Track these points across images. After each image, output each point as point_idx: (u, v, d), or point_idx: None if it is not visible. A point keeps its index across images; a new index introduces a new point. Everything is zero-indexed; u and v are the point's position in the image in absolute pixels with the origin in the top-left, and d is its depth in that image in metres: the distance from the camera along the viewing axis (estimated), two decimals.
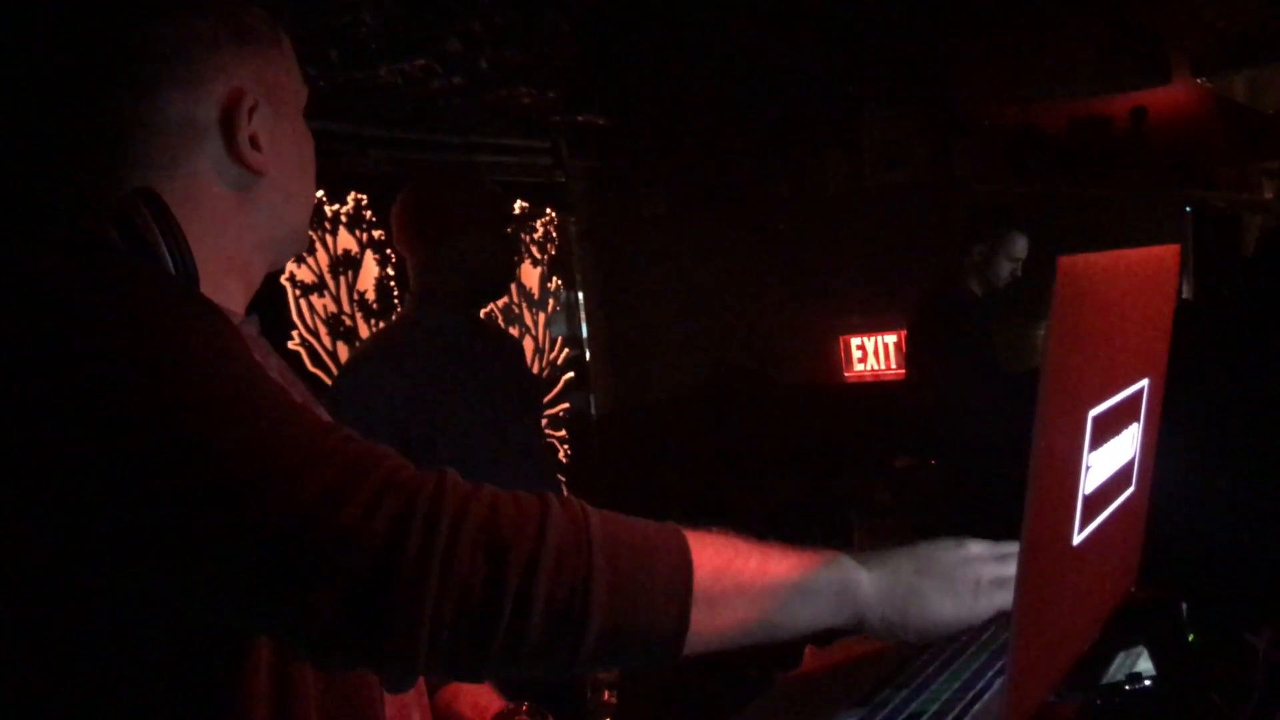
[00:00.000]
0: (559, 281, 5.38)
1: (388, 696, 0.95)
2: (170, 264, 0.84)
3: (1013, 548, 0.96)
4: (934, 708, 0.91)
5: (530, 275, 5.19)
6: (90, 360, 0.74)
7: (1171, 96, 4.53)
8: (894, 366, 6.21)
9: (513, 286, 4.80)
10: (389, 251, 4.10)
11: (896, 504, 4.17)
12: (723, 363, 5.56)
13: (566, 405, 5.17)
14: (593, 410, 5.38)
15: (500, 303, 4.70)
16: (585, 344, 5.57)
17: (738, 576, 0.84)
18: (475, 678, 0.79)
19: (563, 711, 1.27)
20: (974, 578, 0.93)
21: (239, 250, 0.97)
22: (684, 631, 0.80)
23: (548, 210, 5.32)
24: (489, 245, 2.32)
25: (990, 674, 0.95)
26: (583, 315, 5.62)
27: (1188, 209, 3.57)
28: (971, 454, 3.31)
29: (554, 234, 5.39)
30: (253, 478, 0.72)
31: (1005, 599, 0.92)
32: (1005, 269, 3.60)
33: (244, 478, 0.72)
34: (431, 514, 0.73)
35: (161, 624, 0.79)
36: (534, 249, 5.23)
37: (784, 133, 5.25)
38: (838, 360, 6.26)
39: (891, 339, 6.20)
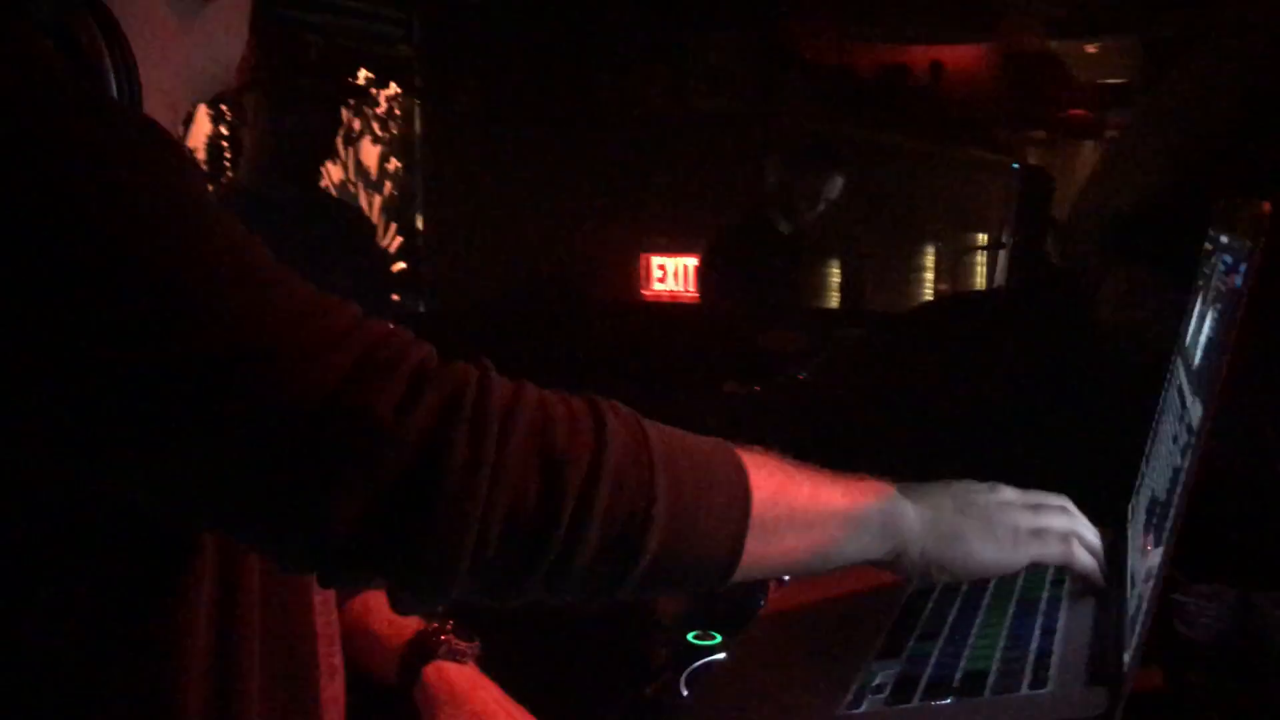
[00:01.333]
0: (399, 164, 5.07)
1: (317, 606, 0.86)
2: (114, 90, 0.71)
3: (1043, 498, 0.93)
4: (993, 665, 0.86)
5: (369, 153, 4.86)
6: (51, 207, 0.60)
7: (969, 54, 4.67)
8: (693, 289, 6.27)
9: (350, 164, 4.53)
10: (224, 108, 3.73)
11: (729, 429, 4.20)
12: (536, 270, 5.44)
13: (396, 297, 4.89)
14: (421, 307, 5.15)
15: (335, 178, 4.42)
16: (420, 235, 5.30)
17: (791, 503, 0.78)
18: (509, 600, 0.69)
19: (488, 630, 1.15)
20: (1012, 524, 0.89)
21: (175, 82, 0.83)
22: (737, 561, 0.73)
23: (392, 85, 4.98)
24: (312, 107, 2.19)
25: (1037, 630, 0.90)
26: (419, 203, 5.33)
27: (1014, 165, 3.66)
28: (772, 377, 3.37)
29: (398, 112, 5.06)
30: (262, 348, 0.61)
31: (1041, 550, 0.89)
32: (817, 208, 3.63)
33: (250, 348, 0.61)
34: (479, 412, 0.64)
35: (101, 527, 0.68)
36: (375, 125, 4.90)
37: (609, 45, 5.14)
38: (637, 278, 6.26)
39: (693, 262, 6.25)
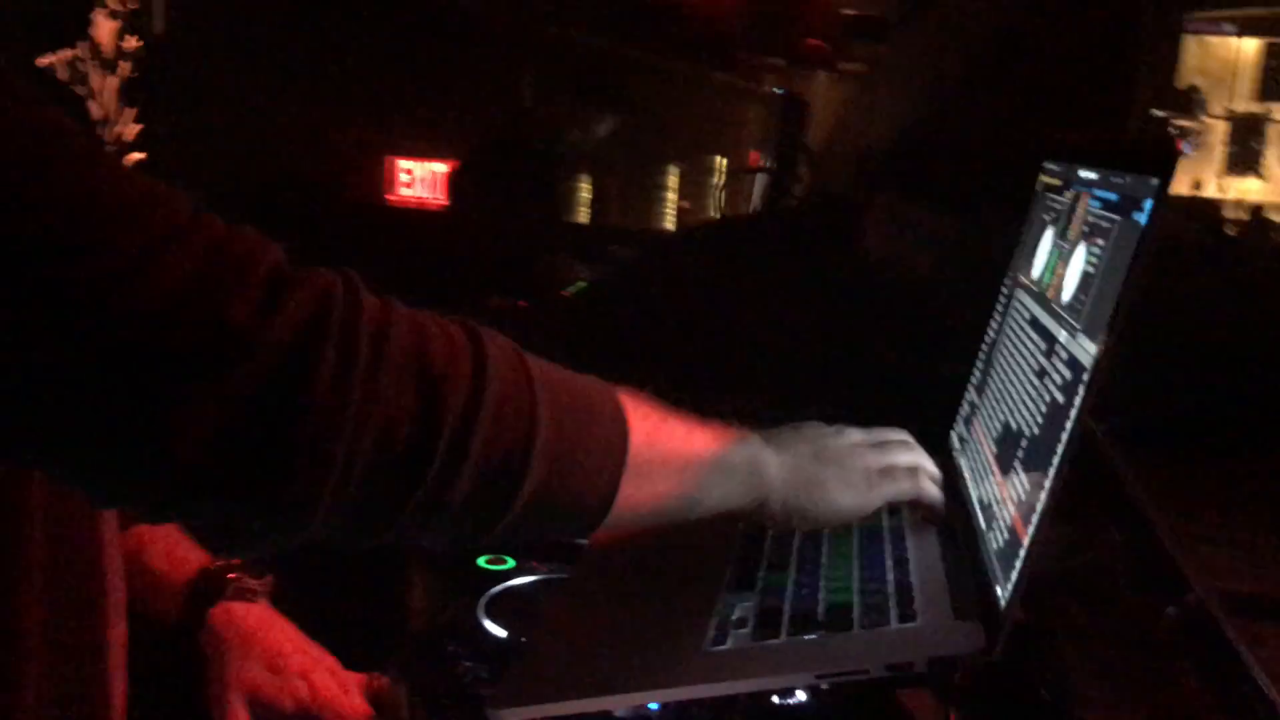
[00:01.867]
0: (138, 42, 4.60)
1: (106, 537, 0.79)
2: None
3: (886, 434, 0.93)
4: (854, 598, 0.84)
5: (103, 28, 4.38)
6: None
7: None
8: (441, 196, 6.11)
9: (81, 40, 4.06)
10: None
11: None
12: (279, 171, 5.13)
13: None
14: None
15: (64, 56, 3.96)
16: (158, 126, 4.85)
17: (665, 446, 0.74)
18: (367, 541, 0.62)
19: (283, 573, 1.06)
20: (863, 466, 0.88)
21: None
22: (610, 504, 0.70)
23: None
24: None
25: (889, 561, 0.89)
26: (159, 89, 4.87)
27: (778, 90, 3.72)
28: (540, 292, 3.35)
29: None
30: (88, 242, 0.52)
31: (893, 488, 0.89)
32: (609, 125, 3.64)
33: (73, 240, 0.52)
34: (348, 326, 0.57)
35: None
36: None
37: None
38: (381, 181, 6.04)
39: (441, 168, 6.08)
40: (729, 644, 0.81)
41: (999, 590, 0.76)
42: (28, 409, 0.53)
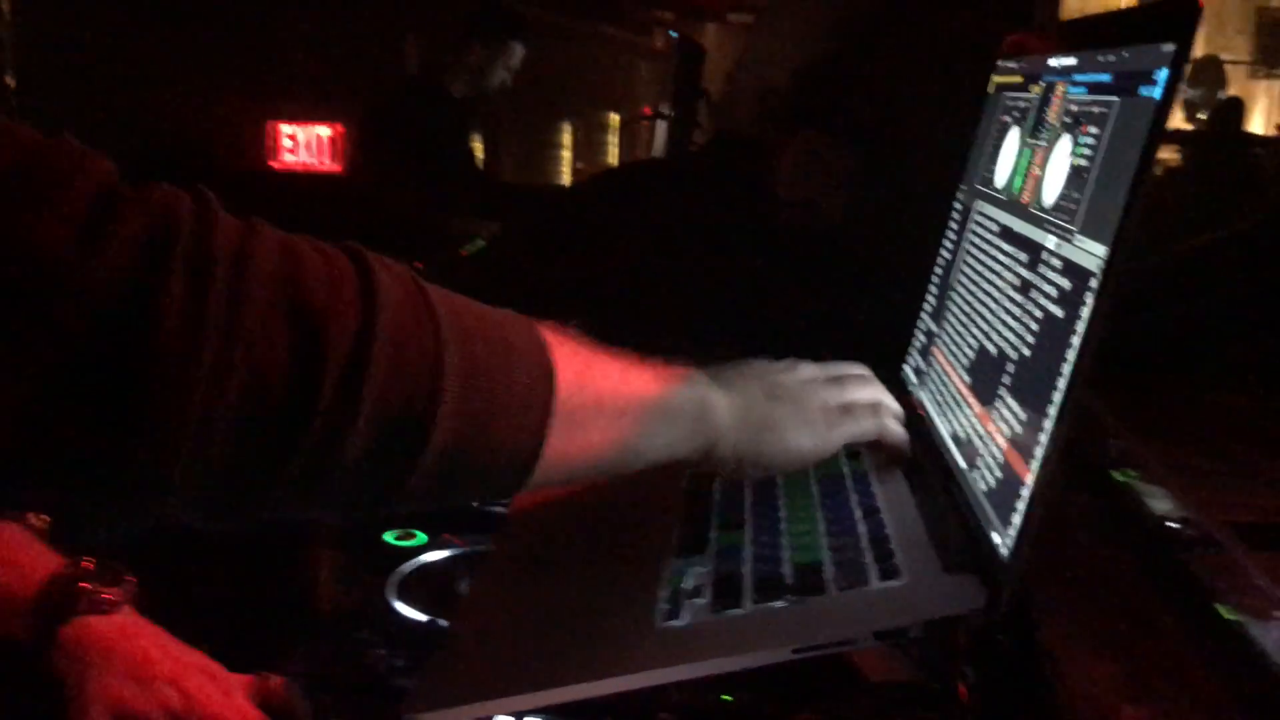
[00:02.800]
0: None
1: None
2: None
3: (842, 368, 0.84)
4: (824, 556, 0.73)
5: None
6: None
7: None
8: (327, 161, 5.92)
9: None
10: None
11: None
12: (152, 140, 4.88)
13: None
14: None
15: None
16: (12, 95, 4.59)
17: (598, 388, 0.64)
18: (237, 520, 0.51)
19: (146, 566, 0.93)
20: (820, 404, 0.79)
21: None
22: (536, 459, 0.59)
23: None
24: None
25: (857, 511, 0.79)
26: (8, 58, 4.60)
27: (673, 34, 3.63)
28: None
29: None
30: None
31: (854, 428, 0.80)
32: (499, 77, 3.52)
33: None
34: (200, 252, 0.47)
35: None
36: None
37: None
38: (263, 147, 5.83)
39: (325, 131, 5.89)
40: (685, 619, 0.70)
41: (996, 538, 0.65)
42: None
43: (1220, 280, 1.99)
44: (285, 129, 5.89)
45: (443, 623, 0.93)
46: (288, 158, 5.93)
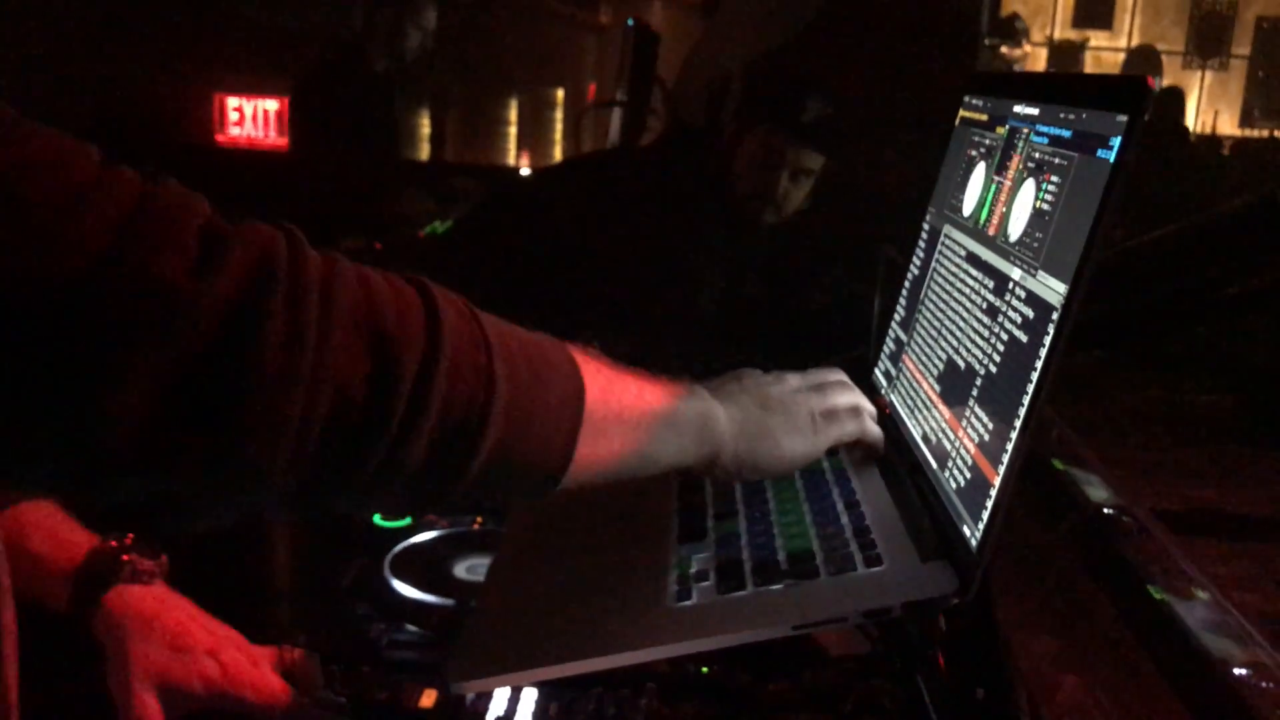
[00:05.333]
0: None
1: None
2: None
3: (822, 376, 0.93)
4: (814, 544, 0.83)
5: None
6: None
7: None
8: (275, 135, 5.89)
9: None
10: None
11: None
12: (93, 114, 4.82)
13: None
14: None
15: None
16: None
17: (619, 402, 0.73)
18: (328, 506, 0.59)
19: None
20: (808, 411, 0.87)
21: None
22: (569, 462, 0.68)
23: None
24: None
25: (839, 505, 0.89)
26: None
27: (630, 22, 3.67)
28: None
29: None
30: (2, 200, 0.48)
31: (838, 430, 0.89)
32: (414, 40, 3.44)
33: None
34: (295, 282, 0.54)
35: None
36: None
37: None
38: (210, 121, 5.78)
39: (273, 105, 5.85)
40: (694, 599, 0.80)
41: (967, 531, 0.76)
42: None
43: (1148, 280, 2.12)
44: (232, 102, 5.86)
45: (434, 599, 1.02)
46: (234, 131, 5.90)
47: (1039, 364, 0.71)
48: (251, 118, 5.97)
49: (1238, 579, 1.17)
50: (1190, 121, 13.53)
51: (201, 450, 0.53)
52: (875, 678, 0.90)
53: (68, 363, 0.49)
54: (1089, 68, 13.87)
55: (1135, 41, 13.94)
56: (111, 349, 0.49)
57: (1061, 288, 0.71)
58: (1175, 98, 6.94)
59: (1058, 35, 13.81)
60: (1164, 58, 13.85)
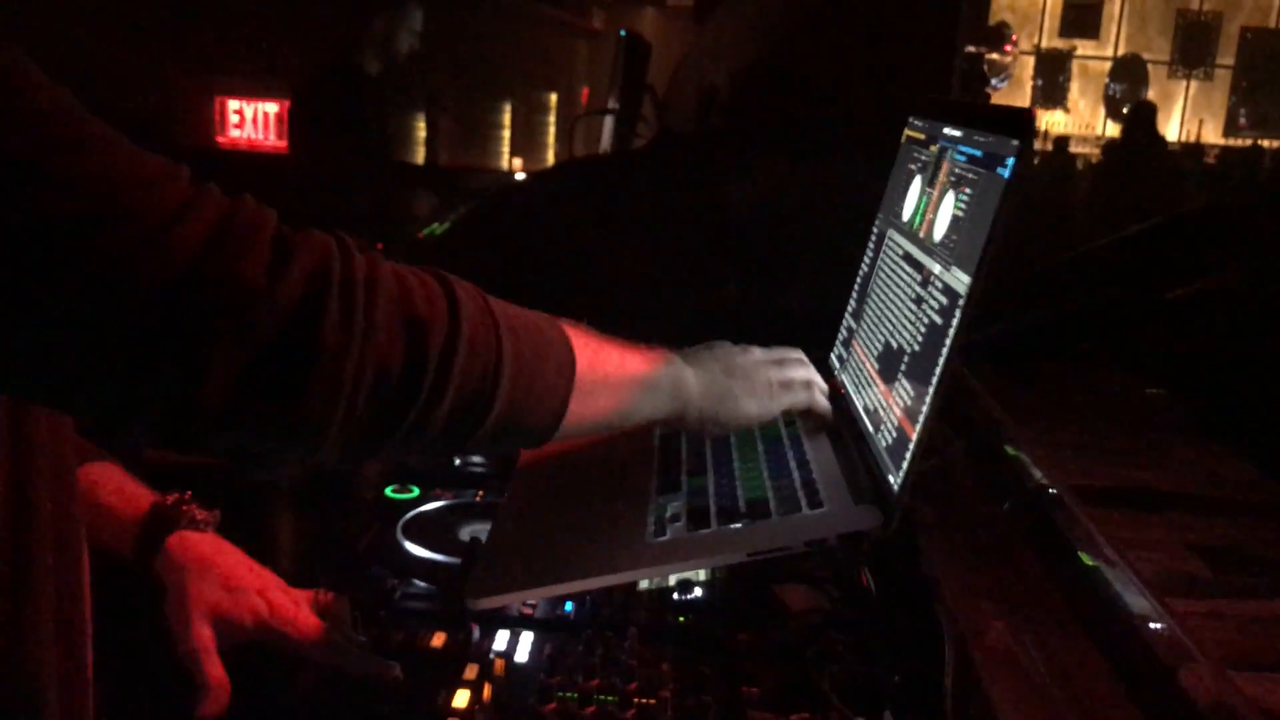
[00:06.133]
0: None
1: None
2: None
3: (783, 353, 1.09)
4: (769, 493, 1.00)
5: None
6: None
7: None
8: (274, 138, 5.99)
9: None
10: None
11: None
12: (108, 114, 4.92)
13: None
14: None
15: None
16: None
17: (604, 369, 0.88)
18: (370, 456, 0.74)
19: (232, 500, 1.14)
20: (765, 379, 1.03)
21: None
22: (561, 419, 0.83)
23: None
24: None
25: (792, 463, 1.05)
26: None
27: (622, 33, 3.81)
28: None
29: None
30: (113, 215, 0.60)
31: (790, 399, 1.05)
32: (405, 42, 3.56)
33: (100, 215, 0.59)
34: (346, 280, 0.67)
35: None
36: None
37: None
38: (210, 123, 5.89)
39: (273, 108, 5.96)
40: (669, 535, 0.96)
41: (891, 479, 0.93)
42: (77, 363, 0.61)
43: (1106, 281, 2.27)
44: (233, 104, 5.98)
45: (441, 558, 1.15)
46: (235, 133, 6.02)
47: (949, 340, 0.88)
48: (252, 120, 6.07)
49: (1152, 542, 1.33)
50: (1175, 130, 13.72)
51: (275, 411, 0.65)
52: (832, 630, 1.03)
53: (172, 342, 0.61)
54: (1076, 76, 14.04)
55: (1121, 50, 14.09)
56: (206, 333, 0.61)
57: (967, 279, 0.88)
58: (1149, 111, 7.13)
59: (1045, 44, 13.97)
60: (1150, 66, 14.04)
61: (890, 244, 1.16)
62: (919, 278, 1.01)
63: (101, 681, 0.87)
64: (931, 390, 0.89)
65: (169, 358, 0.61)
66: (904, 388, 0.97)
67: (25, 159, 0.58)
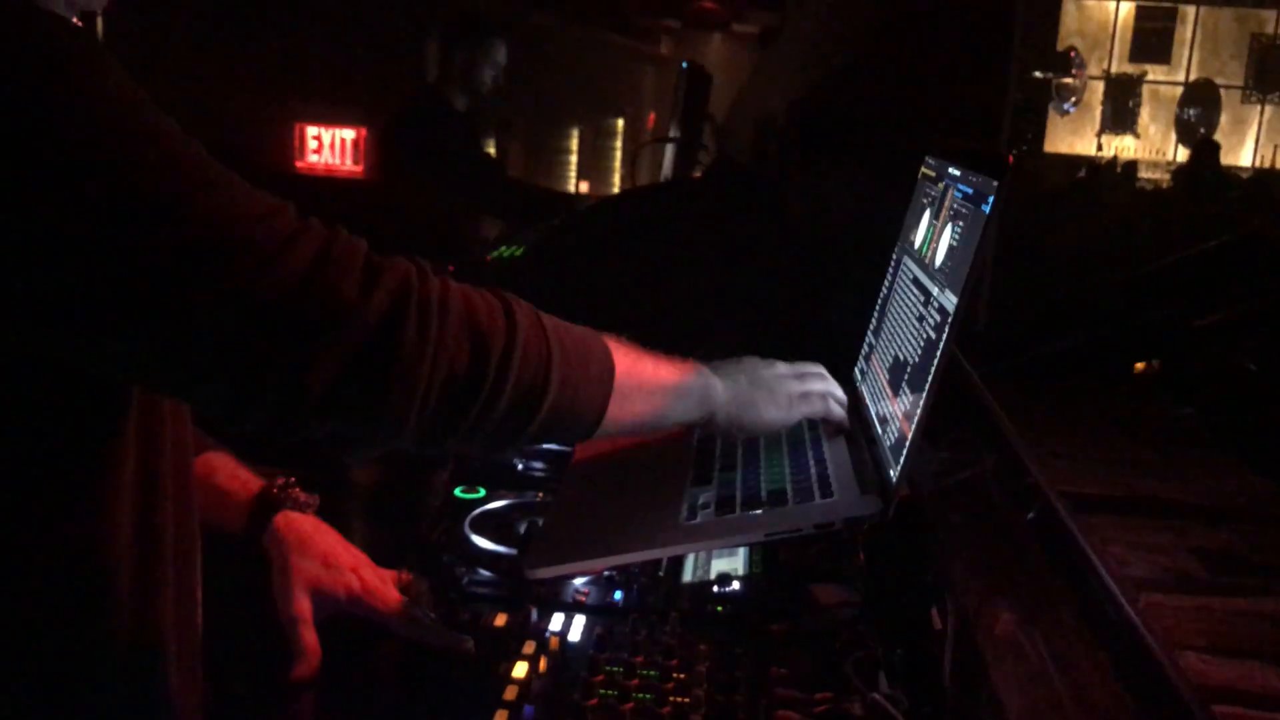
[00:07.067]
0: None
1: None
2: None
3: (805, 367, 1.22)
4: (788, 485, 1.14)
5: None
6: (17, 119, 0.66)
7: None
8: (350, 163, 6.20)
9: None
10: None
11: None
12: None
13: None
14: None
15: None
16: None
17: (640, 376, 1.00)
18: (439, 446, 0.87)
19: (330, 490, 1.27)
20: (787, 391, 1.17)
21: None
22: (601, 419, 0.95)
23: None
24: None
25: (811, 461, 1.20)
26: None
27: (684, 64, 3.96)
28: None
29: None
30: (238, 241, 0.71)
31: (808, 408, 1.19)
32: (488, 76, 3.66)
33: (227, 240, 0.71)
34: (423, 298, 0.79)
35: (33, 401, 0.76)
36: None
37: None
38: (290, 148, 6.11)
39: (349, 134, 6.17)
40: (699, 519, 1.11)
41: (891, 473, 1.07)
42: (207, 363, 0.73)
43: (1144, 306, 2.35)
44: (311, 130, 6.22)
45: (504, 550, 1.24)
46: (313, 159, 6.25)
47: (940, 353, 1.02)
48: (329, 145, 6.28)
49: (1157, 546, 1.44)
50: (1249, 156, 13.55)
51: (365, 403, 0.77)
52: (861, 624, 1.08)
53: (283, 347, 0.73)
54: (1146, 101, 13.96)
55: (1193, 75, 13.97)
56: (311, 339, 0.73)
57: (955, 300, 1.02)
58: (1212, 149, 7.14)
59: (1115, 69, 13.91)
60: (1223, 92, 13.89)
61: (904, 269, 1.30)
62: (922, 299, 1.15)
63: (210, 644, 0.97)
64: (924, 396, 1.03)
65: (280, 359, 0.73)
66: (906, 394, 1.11)
67: (168, 198, 0.69)
